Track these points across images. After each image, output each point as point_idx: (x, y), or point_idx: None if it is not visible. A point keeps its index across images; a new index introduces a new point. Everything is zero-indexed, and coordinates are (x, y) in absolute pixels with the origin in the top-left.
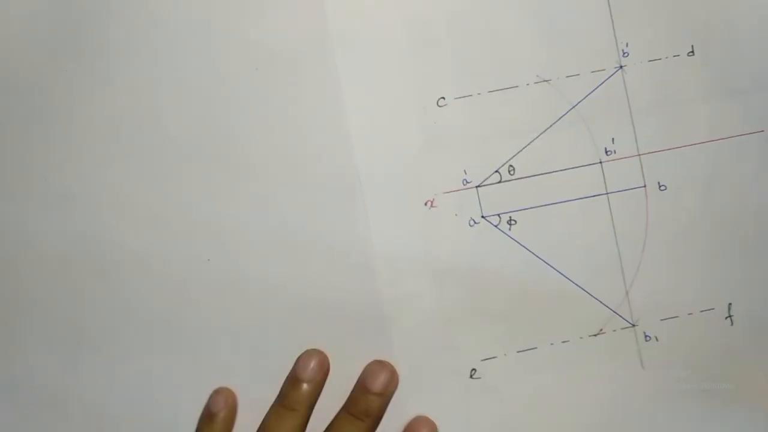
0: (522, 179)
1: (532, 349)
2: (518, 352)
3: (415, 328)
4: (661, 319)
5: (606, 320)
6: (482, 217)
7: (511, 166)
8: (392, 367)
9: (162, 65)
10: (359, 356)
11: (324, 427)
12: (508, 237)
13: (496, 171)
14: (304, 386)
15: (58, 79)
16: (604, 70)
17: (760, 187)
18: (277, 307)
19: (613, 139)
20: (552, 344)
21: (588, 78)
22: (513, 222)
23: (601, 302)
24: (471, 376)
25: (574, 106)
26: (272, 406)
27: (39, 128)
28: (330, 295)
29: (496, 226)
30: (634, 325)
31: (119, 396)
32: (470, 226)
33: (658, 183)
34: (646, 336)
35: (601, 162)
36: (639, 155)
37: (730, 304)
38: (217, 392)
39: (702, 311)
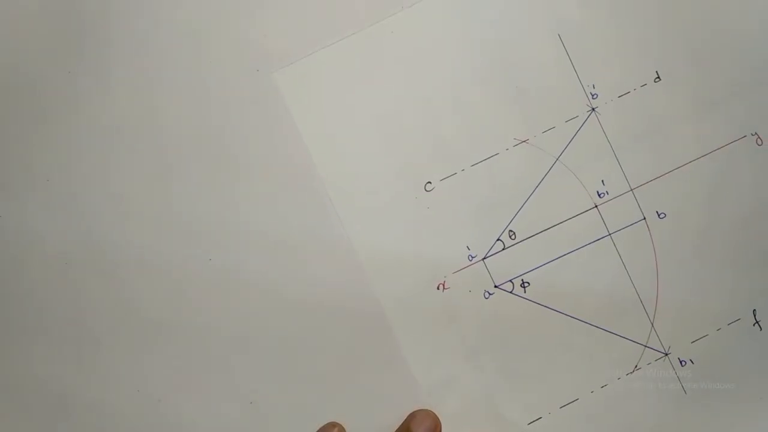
0: (524, 241)
1: (574, 401)
2: (561, 407)
3: (460, 410)
4: (692, 342)
5: (639, 356)
6: (495, 287)
7: (511, 231)
8: (436, 417)
9: (162, 66)
10: (365, 360)
11: None
12: (525, 300)
13: (498, 239)
14: None
15: (59, 80)
16: (577, 116)
17: (759, 189)
18: (279, 307)
19: (602, 180)
20: (592, 392)
21: (564, 128)
22: (526, 284)
23: (630, 340)
24: None
25: (557, 159)
26: None
27: (40, 129)
28: (332, 295)
29: (511, 293)
30: (667, 354)
31: (119, 396)
32: (486, 298)
33: (657, 212)
34: (681, 361)
35: (596, 206)
36: (632, 190)
37: (754, 310)
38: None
39: (729, 324)
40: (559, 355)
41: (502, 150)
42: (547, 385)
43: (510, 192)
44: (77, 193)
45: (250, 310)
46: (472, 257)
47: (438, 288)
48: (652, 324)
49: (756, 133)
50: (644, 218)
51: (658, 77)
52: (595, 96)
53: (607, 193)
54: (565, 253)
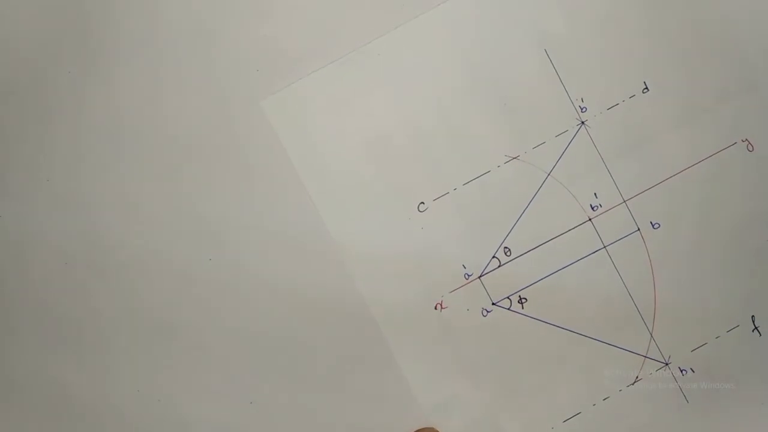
0: (520, 257)
1: (576, 414)
2: (564, 421)
3: (462, 430)
4: (692, 350)
5: (639, 367)
6: (493, 304)
7: (506, 247)
8: None
9: (162, 66)
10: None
11: None
12: (524, 316)
13: (494, 257)
14: None
15: (59, 80)
16: (567, 131)
17: (753, 195)
18: (280, 307)
19: (595, 194)
20: (594, 405)
21: (554, 143)
22: (524, 300)
23: (630, 351)
24: None
25: (549, 174)
26: None
27: (40, 129)
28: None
29: (509, 309)
30: (667, 364)
31: (119, 396)
32: (484, 316)
33: (651, 222)
34: (681, 371)
35: (590, 219)
36: (625, 202)
37: (753, 316)
38: None
39: (728, 331)
40: (559, 369)
41: (493, 167)
42: (548, 400)
43: (503, 209)
44: (77, 193)
45: (251, 311)
46: (469, 275)
47: (436, 308)
48: (651, 334)
49: (746, 139)
50: (638, 229)
51: (647, 88)
52: (584, 109)
53: (601, 206)
54: (561, 267)
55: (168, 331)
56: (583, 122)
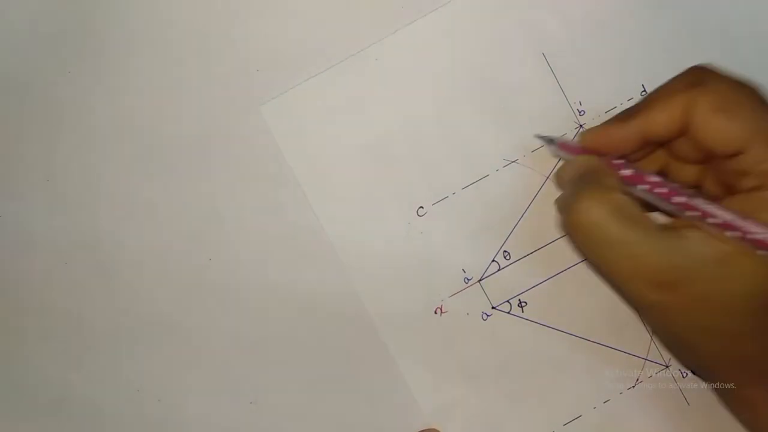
0: (519, 261)
1: (577, 418)
2: (565, 424)
3: None
4: None
5: (640, 369)
6: (493, 308)
7: (505, 251)
8: None
9: (162, 66)
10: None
11: None
12: (524, 320)
13: (493, 260)
14: None
15: (59, 80)
16: (565, 134)
17: None
18: (279, 309)
19: None
20: (595, 408)
21: (553, 146)
22: (524, 304)
23: (630, 354)
24: None
25: (548, 178)
26: None
27: (41, 129)
28: (333, 300)
29: (509, 313)
30: (667, 366)
31: (119, 396)
32: (484, 320)
33: None
34: (682, 373)
35: None
36: None
37: None
38: None
39: None
40: (559, 372)
41: (492, 171)
42: (549, 403)
43: (502, 212)
44: (77, 193)
45: (250, 311)
46: (468, 279)
47: (436, 312)
48: (651, 337)
49: None
50: None
51: (645, 90)
52: (582, 113)
53: None
54: (561, 270)
55: (168, 331)
56: (581, 125)
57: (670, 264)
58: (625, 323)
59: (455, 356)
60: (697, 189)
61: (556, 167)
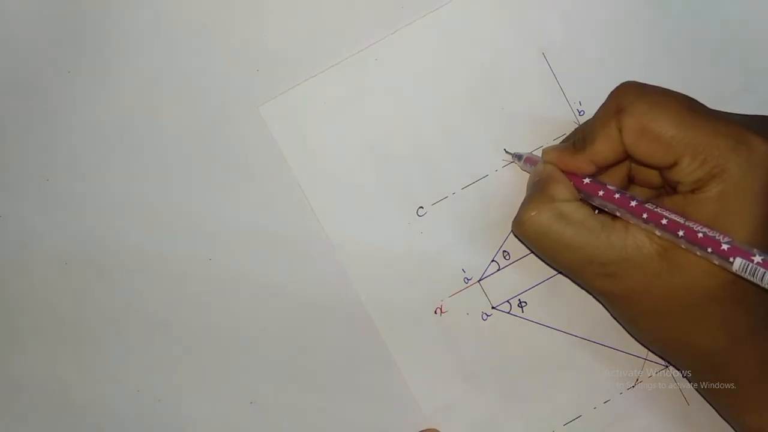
0: (519, 261)
1: (577, 418)
2: (565, 424)
3: None
4: None
5: (639, 369)
6: (493, 308)
7: (505, 251)
8: None
9: (162, 66)
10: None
11: None
12: (524, 320)
13: (493, 260)
14: None
15: (59, 80)
16: (565, 134)
17: None
18: (280, 309)
19: None
20: (595, 408)
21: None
22: (524, 304)
23: (630, 353)
24: None
25: None
26: None
27: (41, 129)
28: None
29: (509, 313)
30: (667, 366)
31: (119, 396)
32: (484, 320)
33: None
34: (682, 373)
35: None
36: None
37: None
38: None
39: None
40: (559, 372)
41: (491, 171)
42: (549, 403)
43: (502, 212)
44: (77, 193)
45: (251, 311)
46: (468, 279)
47: (435, 312)
48: None
49: None
50: None
51: None
52: (582, 113)
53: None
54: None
55: (168, 331)
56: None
57: (609, 259)
58: None
59: (455, 356)
60: (659, 190)
61: None
